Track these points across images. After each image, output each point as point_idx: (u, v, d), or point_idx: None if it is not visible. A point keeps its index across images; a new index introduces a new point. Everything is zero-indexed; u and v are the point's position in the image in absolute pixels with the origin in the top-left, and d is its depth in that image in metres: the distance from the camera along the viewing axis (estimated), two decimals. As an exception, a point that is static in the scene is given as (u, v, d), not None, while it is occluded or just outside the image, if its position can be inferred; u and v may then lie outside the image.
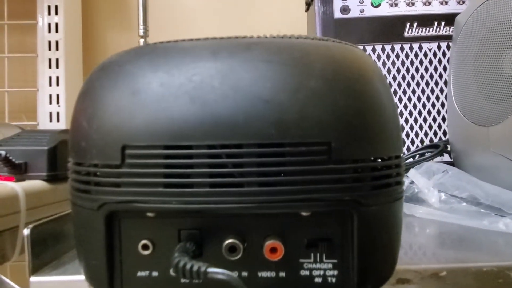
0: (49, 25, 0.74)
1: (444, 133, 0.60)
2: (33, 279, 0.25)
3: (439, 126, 0.60)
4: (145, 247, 0.19)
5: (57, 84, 0.74)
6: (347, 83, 0.18)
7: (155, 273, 0.19)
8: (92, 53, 0.86)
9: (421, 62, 0.60)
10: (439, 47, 0.61)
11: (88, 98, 0.20)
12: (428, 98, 0.60)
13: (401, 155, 0.20)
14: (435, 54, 0.61)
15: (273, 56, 0.18)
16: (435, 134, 0.60)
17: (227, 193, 0.17)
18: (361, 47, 0.61)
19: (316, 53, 0.19)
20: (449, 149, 0.53)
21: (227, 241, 0.18)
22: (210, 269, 0.16)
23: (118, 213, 0.19)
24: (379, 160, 0.18)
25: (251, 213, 0.18)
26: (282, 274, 0.19)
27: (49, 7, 0.74)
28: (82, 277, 0.21)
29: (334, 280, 0.19)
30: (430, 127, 0.60)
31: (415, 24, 0.61)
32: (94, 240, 0.19)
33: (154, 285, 0.19)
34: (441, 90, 0.60)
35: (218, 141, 0.17)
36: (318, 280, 0.19)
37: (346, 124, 0.17)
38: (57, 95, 0.74)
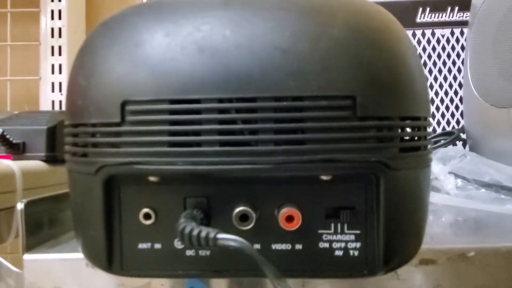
0: (52, 12, 0.73)
1: (457, 122, 0.58)
2: (26, 257, 0.24)
3: (452, 115, 0.58)
4: (147, 216, 0.17)
5: (60, 72, 0.72)
6: (374, 34, 0.16)
7: (157, 245, 0.17)
8: None
9: (433, 49, 0.58)
10: (452, 33, 0.59)
11: (86, 53, 0.18)
12: (441, 86, 0.58)
13: (429, 117, 0.18)
14: (448, 41, 0.58)
15: (292, 3, 0.16)
16: (448, 123, 0.58)
17: (238, 152, 0.15)
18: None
19: (339, 3, 0.17)
20: (463, 136, 0.51)
21: (238, 209, 0.16)
22: (220, 235, 0.14)
23: (118, 177, 0.17)
24: (408, 119, 0.17)
25: (265, 176, 0.16)
26: (298, 246, 0.17)
27: (52, -6, 0.73)
28: (79, 255, 0.20)
29: (356, 253, 0.17)
30: (443, 115, 0.58)
31: (428, 9, 0.59)
32: (91, 209, 0.17)
33: (156, 258, 0.17)
34: (454, 78, 0.58)
35: (230, 94, 0.15)
36: (338, 253, 0.17)
37: (372, 77, 0.16)
38: (60, 83, 0.73)
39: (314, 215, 0.17)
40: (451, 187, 0.40)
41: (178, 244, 0.17)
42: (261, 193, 0.16)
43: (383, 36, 0.16)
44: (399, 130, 0.16)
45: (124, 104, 0.16)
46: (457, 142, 0.51)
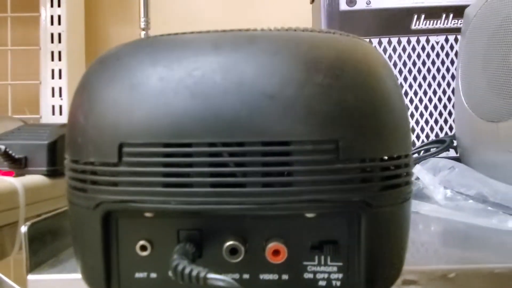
0: (52, 17, 0.72)
1: (450, 128, 0.58)
2: (30, 277, 0.25)
3: (445, 121, 0.59)
4: (143, 247, 0.18)
5: (60, 77, 0.73)
6: (357, 79, 0.17)
7: (153, 275, 0.18)
8: (94, 45, 0.85)
9: (428, 56, 0.59)
10: (446, 40, 0.59)
11: (85, 92, 0.19)
12: (434, 93, 0.59)
13: (410, 153, 0.19)
14: (442, 47, 0.59)
15: (278, 49, 0.17)
16: (441, 129, 0.59)
17: (228, 193, 0.16)
18: (367, 40, 0.59)
19: (324, 47, 0.18)
20: (455, 144, 0.51)
21: (228, 243, 0.17)
22: (210, 275, 0.15)
23: (115, 212, 0.18)
24: (389, 159, 0.17)
25: (253, 214, 0.17)
26: (285, 277, 0.18)
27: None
28: (80, 275, 0.21)
29: (339, 283, 0.18)
30: (436, 122, 0.59)
31: (423, 16, 0.59)
32: (90, 239, 0.18)
33: (152, 286, 0.18)
34: (448, 84, 0.59)
35: (219, 139, 0.16)
36: (322, 283, 0.18)
37: (354, 121, 0.16)
38: (60, 88, 0.73)
39: (299, 248, 0.18)
40: (440, 197, 0.41)
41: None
42: (249, 228, 0.17)
43: (367, 80, 0.17)
44: (381, 170, 0.17)
45: (121, 145, 0.17)
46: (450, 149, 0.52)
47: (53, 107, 0.74)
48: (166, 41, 0.19)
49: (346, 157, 0.16)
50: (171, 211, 0.17)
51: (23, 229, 0.25)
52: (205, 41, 0.18)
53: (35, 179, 0.36)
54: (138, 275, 0.18)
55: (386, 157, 0.17)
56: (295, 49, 0.17)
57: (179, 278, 0.16)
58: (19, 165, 0.35)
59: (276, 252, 0.17)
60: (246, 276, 0.18)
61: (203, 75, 0.17)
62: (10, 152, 0.34)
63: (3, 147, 0.33)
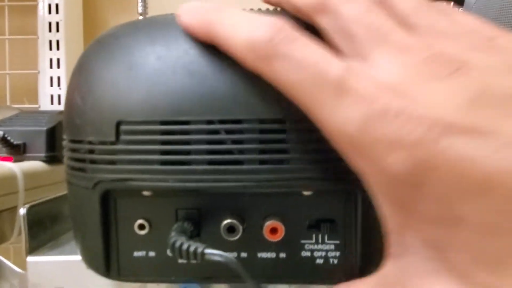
0: (49, 6, 0.72)
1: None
2: (29, 259, 0.25)
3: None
4: (141, 226, 0.18)
5: (58, 66, 0.72)
6: None
7: (152, 253, 0.18)
8: (93, 34, 0.84)
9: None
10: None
11: (82, 72, 0.19)
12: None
13: None
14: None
15: None
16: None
17: (226, 170, 0.16)
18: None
19: None
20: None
21: (226, 221, 0.17)
22: (208, 250, 0.15)
23: (114, 191, 0.18)
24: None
25: (251, 192, 0.17)
26: (282, 255, 0.18)
27: (49, -13, 0.72)
28: (79, 257, 0.21)
29: (336, 261, 0.18)
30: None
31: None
32: (89, 220, 0.18)
33: (151, 265, 0.18)
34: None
35: (217, 116, 0.16)
36: (319, 261, 0.18)
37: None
38: (58, 78, 0.73)
39: (297, 227, 0.18)
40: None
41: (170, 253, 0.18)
42: (247, 207, 0.18)
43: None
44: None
45: (119, 123, 0.17)
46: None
47: (52, 96, 0.73)
48: (163, 21, 0.19)
49: None
50: (168, 189, 0.17)
51: (22, 211, 0.25)
52: None
53: (34, 165, 0.36)
54: (137, 254, 0.18)
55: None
56: None
57: (177, 255, 0.16)
58: (17, 151, 0.35)
59: (273, 230, 0.17)
60: (244, 254, 0.18)
61: (199, 53, 0.17)
62: (8, 138, 0.34)
63: (1, 133, 0.33)
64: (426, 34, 0.15)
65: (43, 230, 0.30)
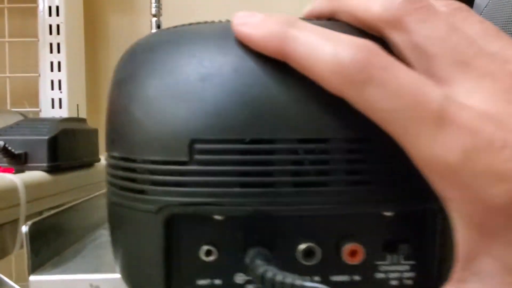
0: (50, 8, 0.68)
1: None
2: (32, 278, 0.22)
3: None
4: (208, 252, 0.16)
5: (59, 70, 0.68)
6: None
7: (218, 281, 0.17)
8: (94, 37, 0.79)
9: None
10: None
11: (138, 82, 0.16)
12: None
13: None
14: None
15: None
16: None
17: (311, 193, 0.15)
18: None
19: None
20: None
21: (303, 245, 0.16)
22: (308, 283, 0.13)
23: (180, 215, 0.16)
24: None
25: (333, 214, 0.16)
26: (357, 277, 0.17)
27: (49, -12, 0.68)
28: (82, 276, 0.19)
29: (411, 282, 0.17)
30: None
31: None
32: (148, 245, 0.16)
33: None
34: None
35: (304, 135, 0.15)
36: (394, 282, 0.17)
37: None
38: (59, 81, 0.68)
39: (374, 248, 0.17)
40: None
41: (239, 280, 0.17)
42: (324, 229, 0.16)
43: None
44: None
45: (192, 142, 0.15)
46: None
47: (53, 100, 0.69)
48: (225, 28, 0.17)
49: None
50: (248, 214, 0.15)
51: (24, 229, 0.22)
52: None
53: (36, 175, 0.33)
54: (201, 281, 0.17)
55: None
56: None
57: (268, 286, 0.14)
58: (18, 161, 0.31)
59: (353, 253, 0.16)
60: (316, 278, 0.17)
61: (275, 67, 0.15)
62: (9, 147, 0.30)
63: (2, 143, 0.30)
64: (503, 60, 0.15)
65: (46, 245, 0.27)
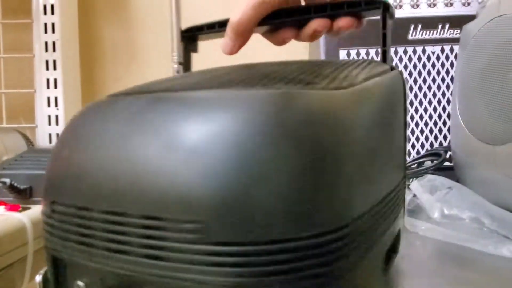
0: (45, 25, 0.62)
1: (445, 137, 0.53)
2: None
3: (440, 130, 0.54)
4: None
5: (55, 87, 0.62)
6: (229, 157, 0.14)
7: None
8: (89, 54, 0.74)
9: (424, 66, 0.54)
10: (442, 50, 0.54)
11: None
12: (430, 102, 0.54)
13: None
14: (438, 58, 0.54)
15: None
16: (436, 138, 0.54)
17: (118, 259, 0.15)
18: (364, 50, 0.55)
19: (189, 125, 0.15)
20: (449, 154, 0.46)
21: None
22: None
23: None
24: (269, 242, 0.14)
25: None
26: None
27: (44, 6, 0.62)
28: None
29: None
30: (431, 131, 0.54)
31: (420, 26, 0.54)
32: None
33: None
34: (443, 94, 0.54)
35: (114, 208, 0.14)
36: None
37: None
38: (56, 98, 0.63)
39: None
40: (437, 215, 0.36)
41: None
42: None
43: (237, 157, 0.14)
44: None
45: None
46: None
47: (49, 116, 0.63)
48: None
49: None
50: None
51: (38, 278, 0.22)
52: None
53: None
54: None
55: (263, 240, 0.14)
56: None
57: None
58: (24, 196, 0.34)
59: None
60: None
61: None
62: (15, 184, 0.33)
63: (8, 181, 0.33)
64: None
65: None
